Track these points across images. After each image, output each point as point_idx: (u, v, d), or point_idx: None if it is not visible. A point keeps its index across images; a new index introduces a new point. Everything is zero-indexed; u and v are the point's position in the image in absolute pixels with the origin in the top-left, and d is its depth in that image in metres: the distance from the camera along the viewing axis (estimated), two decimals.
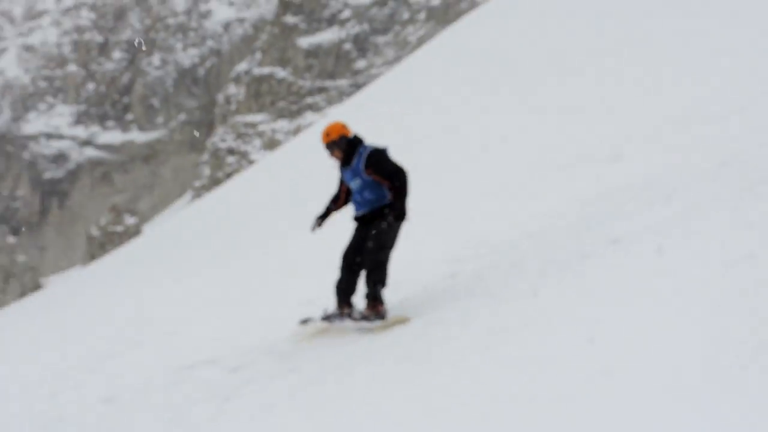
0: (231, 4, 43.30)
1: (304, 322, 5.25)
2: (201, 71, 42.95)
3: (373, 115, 18.78)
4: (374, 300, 5.08)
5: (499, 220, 7.43)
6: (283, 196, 16.75)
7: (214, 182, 33.95)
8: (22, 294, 37.14)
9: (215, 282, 11.18)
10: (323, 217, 5.33)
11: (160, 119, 43.14)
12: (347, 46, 36.77)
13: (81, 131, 44.12)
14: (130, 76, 44.32)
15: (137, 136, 43.26)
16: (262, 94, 37.54)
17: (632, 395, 2.19)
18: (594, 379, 2.51)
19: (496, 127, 12.04)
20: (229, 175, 32.77)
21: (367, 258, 5.11)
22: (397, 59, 31.75)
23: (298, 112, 36.62)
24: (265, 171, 22.77)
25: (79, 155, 43.75)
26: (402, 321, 4.95)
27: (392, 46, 36.17)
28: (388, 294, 5.51)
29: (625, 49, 12.76)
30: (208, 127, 41.20)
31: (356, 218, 5.22)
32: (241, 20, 42.37)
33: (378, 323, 4.97)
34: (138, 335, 8.86)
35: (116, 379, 6.35)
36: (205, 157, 37.52)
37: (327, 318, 5.19)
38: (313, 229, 5.38)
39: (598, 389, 2.41)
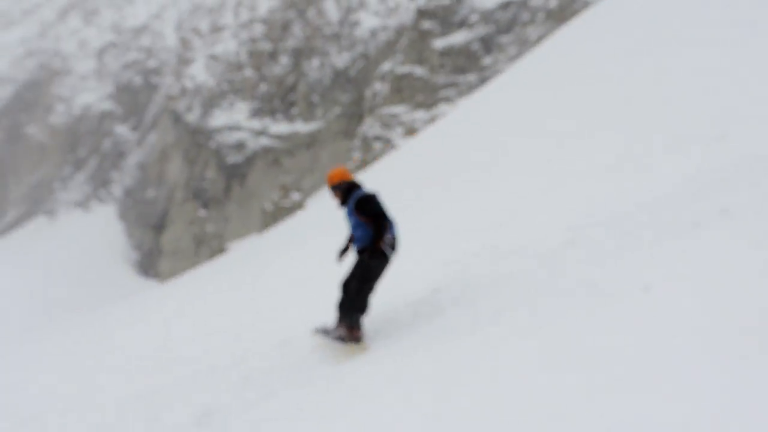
0: (376, 14, 44.55)
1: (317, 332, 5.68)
2: (352, 72, 44.49)
3: (496, 102, 20.15)
4: (339, 324, 5.46)
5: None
6: (422, 173, 18.15)
7: (364, 164, 35.99)
8: (211, 256, 40.49)
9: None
10: (343, 252, 5.80)
11: (319, 112, 45.38)
12: (475, 45, 37.36)
13: (256, 124, 47.33)
14: (294, 78, 46.97)
15: (301, 127, 45.81)
16: (403, 89, 38.54)
17: None
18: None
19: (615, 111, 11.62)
20: (375, 158, 35.07)
21: (345, 290, 5.49)
22: (519, 55, 32.79)
23: (433, 104, 37.56)
24: (405, 154, 23.87)
25: (254, 144, 46.83)
26: (362, 349, 5.32)
27: (514, 44, 36.22)
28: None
29: None
30: (358, 118, 43.09)
31: (357, 251, 5.56)
32: (384, 27, 43.52)
33: (352, 345, 5.36)
34: (305, 292, 9.96)
35: (287, 330, 7.19)
36: (356, 143, 39.24)
37: (323, 332, 5.62)
38: (337, 261, 5.88)
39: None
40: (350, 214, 5.48)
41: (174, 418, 5.47)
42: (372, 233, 5.29)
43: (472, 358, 3.90)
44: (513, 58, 34.27)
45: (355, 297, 5.40)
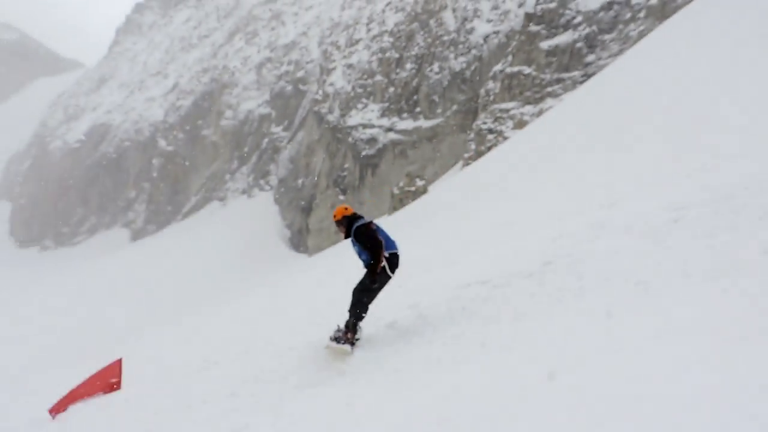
0: (489, 21, 45.76)
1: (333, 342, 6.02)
2: (467, 73, 45.90)
3: (600, 93, 19.89)
4: (346, 327, 5.99)
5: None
6: (531, 159, 18.22)
7: (478, 154, 36.88)
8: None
9: (489, 221, 12.70)
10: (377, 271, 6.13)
11: (439, 110, 46.80)
12: (579, 44, 37.34)
13: (385, 121, 49.27)
14: (417, 81, 48.79)
15: (423, 123, 47.33)
16: (513, 87, 39.20)
17: None
18: None
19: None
20: (489, 149, 35.93)
21: (353, 296, 5.99)
22: (621, 52, 32.51)
23: (541, 99, 37.86)
24: (516, 144, 23.93)
25: (384, 138, 48.68)
26: (344, 352, 5.81)
27: (616, 41, 35.73)
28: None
29: None
30: (473, 114, 44.13)
31: (365, 267, 6.05)
32: (496, 32, 44.84)
33: (348, 349, 5.80)
34: (428, 263, 10.22)
35: (416, 294, 7.70)
36: (471, 136, 39.89)
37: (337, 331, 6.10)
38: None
39: None
40: (353, 243, 6.10)
41: (323, 366, 6.08)
42: (371, 257, 5.91)
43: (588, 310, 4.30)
44: (615, 55, 34.28)
45: (355, 305, 5.98)
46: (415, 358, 5.26)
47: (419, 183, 41.09)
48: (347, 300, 6.21)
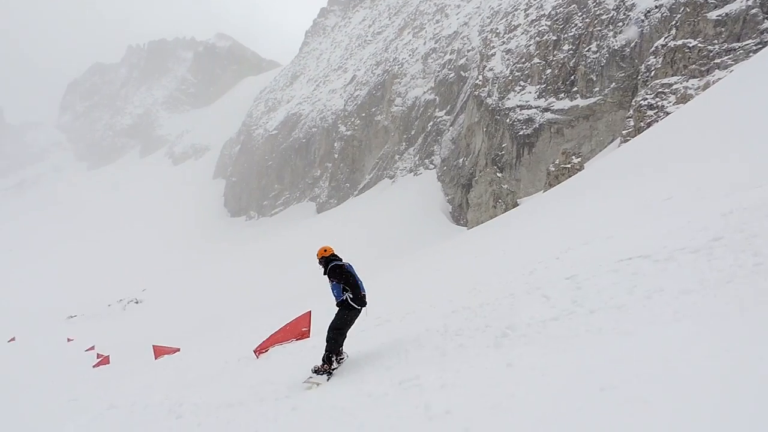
0: None
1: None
2: (626, 50, 43.31)
3: None
4: (323, 362, 6.18)
5: None
6: (696, 130, 17.02)
7: (637, 131, 35.21)
8: (506, 209, 41.93)
9: (649, 195, 11.77)
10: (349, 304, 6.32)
11: (596, 89, 44.86)
12: (754, 11, 33.78)
13: (542, 102, 48.30)
14: (575, 61, 46.99)
15: (580, 102, 45.68)
16: (676, 61, 36.47)
17: None
18: None
19: None
20: (649, 125, 34.02)
21: (327, 334, 6.25)
22: None
23: (707, 71, 34.95)
24: (678, 119, 22.19)
25: (541, 118, 47.65)
26: (319, 382, 5.91)
27: None
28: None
29: None
30: (632, 91, 41.88)
31: (336, 305, 6.27)
32: (658, 6, 41.68)
33: (323, 379, 5.96)
34: (585, 236, 9.79)
35: (573, 265, 7.35)
36: (630, 112, 37.83)
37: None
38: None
39: None
40: (329, 279, 6.36)
41: (481, 330, 5.85)
42: (340, 292, 6.21)
43: None
44: None
45: (329, 342, 6.19)
46: (574, 325, 4.91)
47: (575, 160, 40.15)
48: (502, 270, 6.59)
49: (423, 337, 6.50)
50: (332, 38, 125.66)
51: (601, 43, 46.44)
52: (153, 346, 18.63)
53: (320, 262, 6.55)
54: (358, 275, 6.49)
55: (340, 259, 6.53)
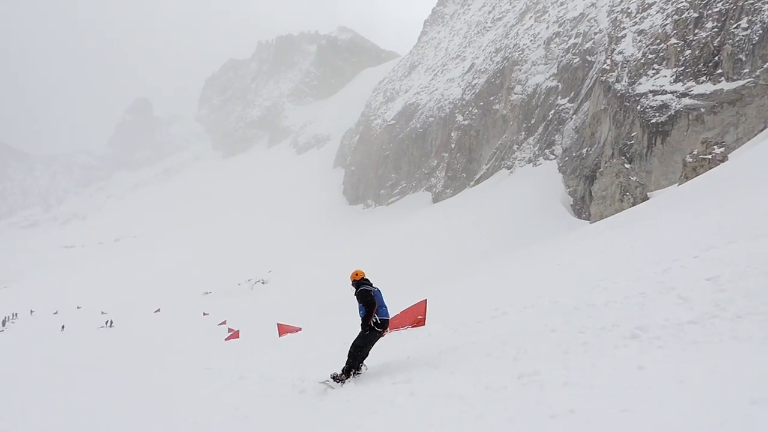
0: None
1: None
2: None
3: None
4: (342, 372, 6.83)
5: None
6: None
7: None
8: (634, 203, 40.26)
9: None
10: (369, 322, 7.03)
11: (746, 70, 40.87)
12: None
13: (679, 87, 44.85)
14: (719, 40, 42.94)
15: (725, 85, 41.80)
16: None
17: None
18: None
19: None
20: None
21: (350, 349, 6.91)
22: None
23: None
24: None
25: (677, 104, 44.24)
26: (332, 387, 6.61)
27: None
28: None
29: None
30: None
31: (361, 324, 6.93)
32: None
33: (338, 385, 6.58)
34: (731, 234, 8.99)
35: (715, 265, 6.92)
36: None
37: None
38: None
39: None
40: (357, 300, 7.18)
41: (603, 329, 5.70)
42: (364, 314, 6.96)
43: None
44: None
45: (350, 356, 6.90)
46: (717, 331, 4.57)
47: (717, 150, 36.89)
48: (630, 267, 6.57)
49: (543, 332, 6.38)
50: (451, 26, 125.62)
51: (753, 18, 41.97)
52: (278, 324, 20.04)
53: (352, 284, 7.28)
54: (384, 299, 7.21)
55: (371, 284, 7.20)
